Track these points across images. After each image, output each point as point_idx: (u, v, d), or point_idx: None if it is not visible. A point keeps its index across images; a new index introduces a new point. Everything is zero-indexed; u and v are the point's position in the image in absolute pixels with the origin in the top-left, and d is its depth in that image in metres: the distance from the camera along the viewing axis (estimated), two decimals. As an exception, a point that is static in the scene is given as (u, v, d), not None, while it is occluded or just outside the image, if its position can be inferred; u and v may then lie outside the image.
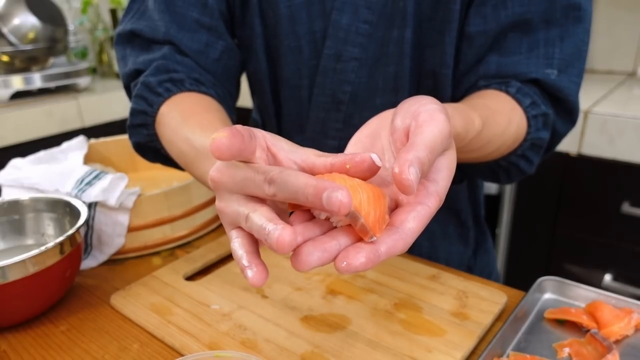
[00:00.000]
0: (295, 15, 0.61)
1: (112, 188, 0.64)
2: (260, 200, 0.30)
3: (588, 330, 0.48)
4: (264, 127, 0.75)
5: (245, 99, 1.20)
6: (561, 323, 0.50)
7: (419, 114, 0.32)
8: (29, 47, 1.51)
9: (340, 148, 0.65)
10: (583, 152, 1.15)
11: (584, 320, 0.49)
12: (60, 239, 0.52)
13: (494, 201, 1.32)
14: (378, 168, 0.30)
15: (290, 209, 0.32)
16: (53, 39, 1.56)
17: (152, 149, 0.61)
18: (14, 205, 0.64)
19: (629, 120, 1.07)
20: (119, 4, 1.88)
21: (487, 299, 0.53)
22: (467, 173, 0.69)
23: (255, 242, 0.31)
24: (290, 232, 0.26)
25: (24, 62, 1.54)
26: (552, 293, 0.54)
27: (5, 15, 1.48)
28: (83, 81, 1.61)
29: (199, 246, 0.70)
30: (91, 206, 0.64)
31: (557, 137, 0.61)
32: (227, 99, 0.63)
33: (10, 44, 1.49)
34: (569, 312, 0.50)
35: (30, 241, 0.65)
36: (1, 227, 0.64)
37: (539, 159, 0.60)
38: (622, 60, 1.57)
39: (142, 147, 0.61)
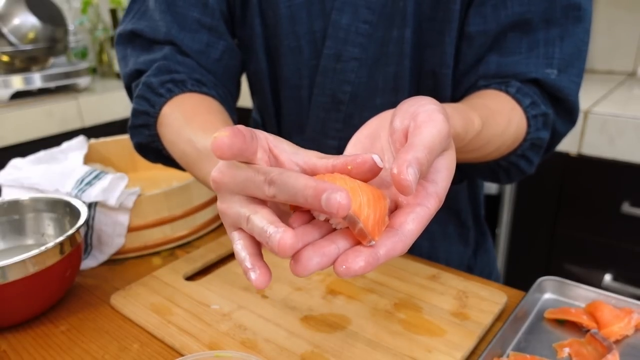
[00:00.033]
0: (295, 15, 0.61)
1: (112, 188, 0.64)
2: (262, 202, 0.30)
3: (588, 330, 0.48)
4: (264, 127, 0.75)
5: (245, 99, 1.20)
6: (561, 323, 0.50)
7: (418, 115, 0.32)
8: (29, 47, 1.51)
9: (340, 148, 0.65)
10: (583, 152, 1.15)
11: (584, 320, 0.49)
12: (60, 239, 0.52)
13: (494, 201, 1.32)
14: (380, 169, 0.30)
15: (291, 210, 0.32)
16: (53, 39, 1.56)
17: (154, 150, 0.61)
18: (14, 205, 0.64)
19: (629, 120, 1.07)
20: (119, 4, 1.88)
21: (487, 299, 0.53)
22: (467, 173, 0.69)
23: (258, 244, 0.31)
24: (292, 236, 0.26)
25: (24, 62, 1.54)
26: (552, 293, 0.54)
27: (5, 15, 1.48)
28: (83, 81, 1.61)
29: (199, 246, 0.70)
30: (91, 206, 0.64)
31: (557, 137, 0.61)
32: (228, 99, 0.63)
33: (10, 44, 1.49)
34: (569, 312, 0.50)
35: (30, 241, 0.65)
36: (1, 227, 0.64)
37: (539, 159, 0.60)
38: (622, 60, 1.57)
39: (144, 147, 0.61)
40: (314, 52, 0.62)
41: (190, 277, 0.62)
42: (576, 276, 1.25)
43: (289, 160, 0.32)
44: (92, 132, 1.53)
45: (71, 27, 1.83)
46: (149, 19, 0.61)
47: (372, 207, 0.28)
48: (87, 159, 0.84)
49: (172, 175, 0.85)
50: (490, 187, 1.30)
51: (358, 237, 0.28)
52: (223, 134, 0.28)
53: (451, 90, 0.61)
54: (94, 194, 0.64)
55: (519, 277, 1.37)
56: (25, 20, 1.50)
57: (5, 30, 1.47)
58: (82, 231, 0.56)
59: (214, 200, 0.76)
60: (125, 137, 0.88)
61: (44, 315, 0.56)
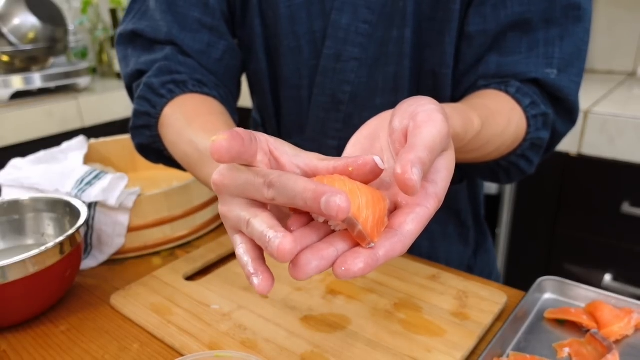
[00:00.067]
0: (295, 15, 0.61)
1: (112, 188, 0.64)
2: (262, 205, 0.30)
3: (588, 330, 0.48)
4: (264, 127, 0.75)
5: (245, 99, 1.20)
6: (561, 323, 0.50)
7: (417, 115, 0.32)
8: (29, 47, 1.51)
9: (340, 148, 0.65)
10: (583, 152, 1.15)
11: (584, 320, 0.49)
12: (60, 239, 0.52)
13: (494, 201, 1.32)
14: (381, 171, 0.30)
15: (290, 211, 0.32)
16: (53, 39, 1.56)
17: (155, 151, 0.61)
18: (14, 205, 0.64)
19: (629, 120, 1.07)
20: (119, 4, 1.88)
21: (487, 299, 0.53)
22: (467, 173, 0.69)
23: (260, 248, 0.31)
24: (291, 241, 0.26)
25: (24, 62, 1.54)
26: (552, 293, 0.54)
27: (5, 15, 1.48)
28: (83, 81, 1.61)
29: (199, 246, 0.70)
30: (91, 206, 0.64)
31: (557, 137, 0.61)
32: (229, 99, 0.63)
33: (10, 44, 1.49)
34: (569, 312, 0.50)
35: (30, 241, 0.65)
36: (1, 227, 0.64)
37: (539, 159, 0.60)
38: (622, 60, 1.57)
39: (145, 148, 0.61)
40: (313, 52, 0.62)
41: (190, 277, 0.62)
42: (576, 276, 1.25)
43: (289, 163, 0.32)
44: (92, 132, 1.53)
45: (71, 27, 1.83)
46: (150, 19, 0.61)
47: (371, 208, 0.28)
48: (87, 159, 0.84)
49: (172, 175, 0.85)
50: (490, 187, 1.30)
51: (357, 239, 0.28)
52: (221, 138, 0.28)
53: (451, 90, 0.61)
54: (94, 194, 0.64)
55: (519, 277, 1.37)
56: (25, 20, 1.50)
57: (5, 30, 1.47)
58: (82, 231, 0.56)
59: (214, 200, 0.76)
60: (125, 137, 0.88)
61: (44, 315, 0.56)
